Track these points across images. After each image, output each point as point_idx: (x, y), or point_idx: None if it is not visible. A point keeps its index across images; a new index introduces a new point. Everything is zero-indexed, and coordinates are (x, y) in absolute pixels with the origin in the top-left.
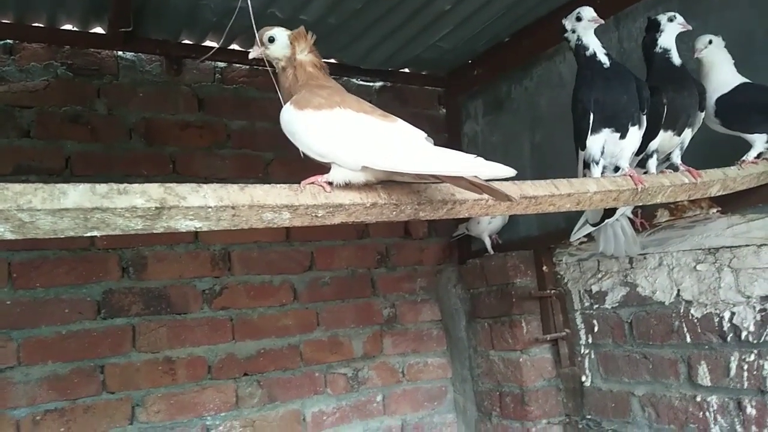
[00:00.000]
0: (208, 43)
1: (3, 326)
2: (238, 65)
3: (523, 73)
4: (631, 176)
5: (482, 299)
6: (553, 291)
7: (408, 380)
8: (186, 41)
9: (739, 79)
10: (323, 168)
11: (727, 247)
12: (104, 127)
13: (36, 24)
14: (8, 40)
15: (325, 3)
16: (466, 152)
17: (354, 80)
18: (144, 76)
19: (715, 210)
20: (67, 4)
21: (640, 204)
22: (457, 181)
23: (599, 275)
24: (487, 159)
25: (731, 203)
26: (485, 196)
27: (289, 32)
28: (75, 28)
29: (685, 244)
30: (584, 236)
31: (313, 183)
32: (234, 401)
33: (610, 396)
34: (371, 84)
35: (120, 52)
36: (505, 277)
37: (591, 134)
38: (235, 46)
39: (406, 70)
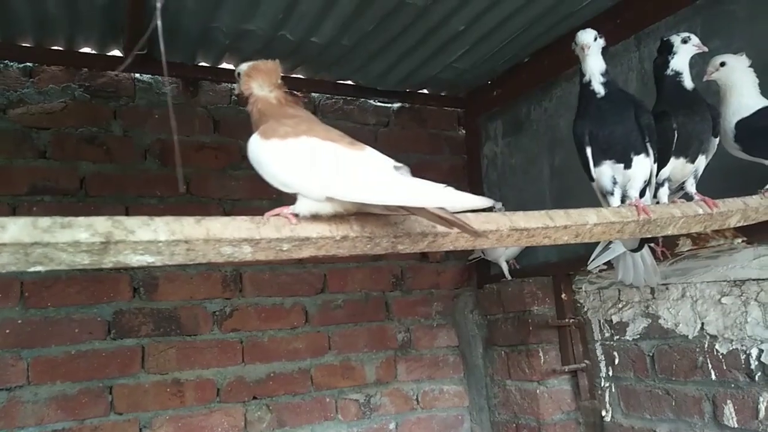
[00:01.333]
0: (224, 65)
1: (13, 345)
2: None
3: (542, 93)
4: (636, 206)
5: (499, 326)
6: (572, 320)
7: (422, 408)
8: (202, 63)
9: (762, 102)
10: None
11: (754, 280)
12: (119, 148)
13: (55, 47)
14: (28, 63)
15: (336, 24)
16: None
17: (371, 101)
18: (160, 97)
19: (740, 240)
20: (85, 27)
21: (649, 236)
22: (422, 213)
23: (620, 305)
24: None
25: (758, 233)
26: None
27: (247, 67)
28: (93, 51)
29: (708, 275)
30: (604, 264)
31: (278, 215)
32: (242, 425)
33: None
34: (389, 105)
35: (137, 75)
36: (522, 305)
37: (595, 166)
38: None
39: (425, 91)
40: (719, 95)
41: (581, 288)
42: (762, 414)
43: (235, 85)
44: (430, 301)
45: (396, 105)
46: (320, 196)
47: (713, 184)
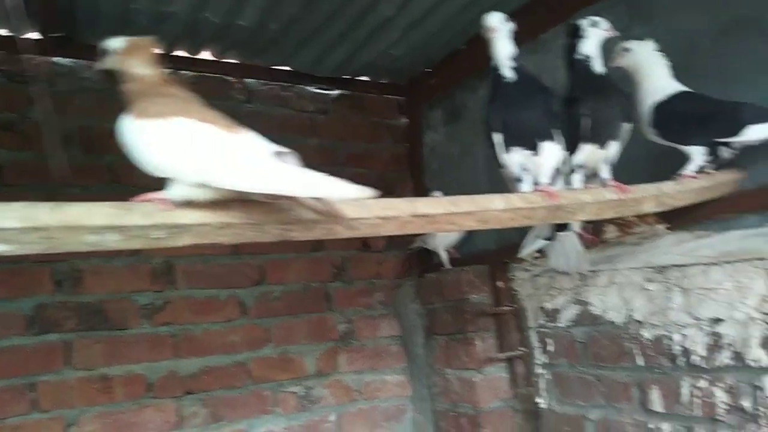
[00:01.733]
0: None
1: None
2: (183, 71)
3: (478, 82)
4: (545, 191)
5: (438, 315)
6: (508, 307)
7: (364, 399)
8: None
9: (675, 87)
10: None
11: (676, 266)
12: (39, 135)
13: None
14: None
15: (260, 8)
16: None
17: (309, 88)
18: (82, 83)
19: (663, 226)
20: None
21: (560, 222)
22: (294, 201)
23: (553, 292)
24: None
25: (680, 219)
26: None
27: (123, 43)
28: (8, 33)
29: (634, 262)
30: (538, 251)
31: (148, 200)
32: (175, 420)
33: (566, 420)
34: (328, 92)
35: (57, 59)
36: (460, 293)
37: (505, 152)
38: (180, 53)
39: (365, 78)
40: (632, 81)
41: (517, 275)
42: (685, 398)
43: (99, 62)
44: (372, 291)
45: (335, 92)
46: (193, 181)
47: (633, 172)
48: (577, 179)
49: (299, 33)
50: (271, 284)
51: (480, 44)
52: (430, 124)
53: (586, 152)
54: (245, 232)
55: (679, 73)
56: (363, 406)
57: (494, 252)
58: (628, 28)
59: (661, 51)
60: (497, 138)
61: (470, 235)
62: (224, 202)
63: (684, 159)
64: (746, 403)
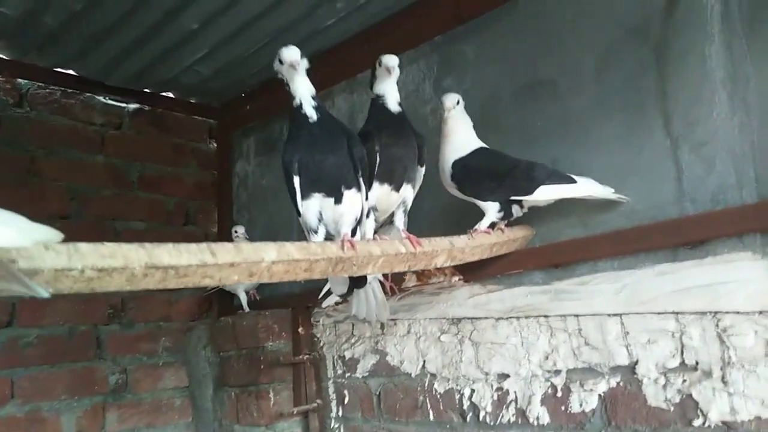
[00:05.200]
0: None
1: None
2: None
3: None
4: (344, 241)
5: (231, 364)
6: (307, 356)
7: None
8: None
9: (477, 143)
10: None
11: (469, 318)
12: None
13: None
14: None
15: None
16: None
17: (100, 98)
18: None
19: (458, 278)
20: None
21: (345, 275)
22: None
23: (353, 340)
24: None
25: (474, 272)
26: None
27: None
28: None
29: (431, 312)
30: (340, 297)
31: None
32: None
33: None
34: (123, 105)
35: None
36: (256, 340)
37: (303, 199)
38: None
39: (170, 95)
40: (442, 134)
41: (319, 321)
42: None
43: None
44: (158, 336)
45: (132, 106)
46: None
47: (431, 223)
48: (370, 226)
49: (83, 33)
50: (23, 327)
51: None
52: (243, 152)
53: (380, 193)
54: None
55: (482, 127)
56: None
57: (298, 295)
58: (439, 79)
59: (466, 106)
60: (296, 181)
61: None
62: None
63: (480, 213)
64: None
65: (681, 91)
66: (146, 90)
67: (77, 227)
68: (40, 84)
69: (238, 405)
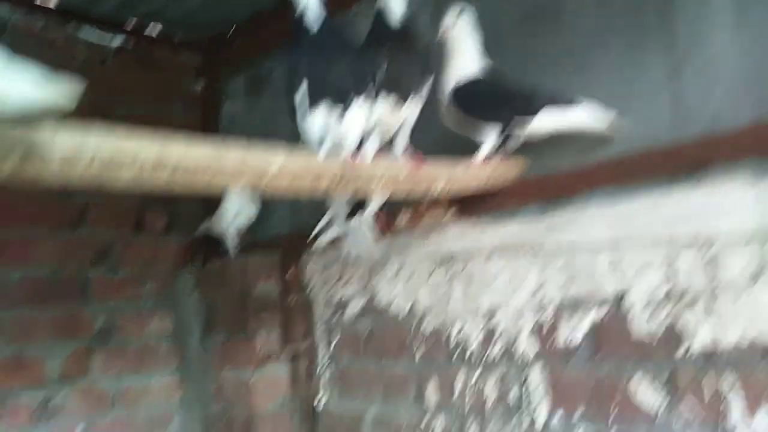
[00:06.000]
0: None
1: None
2: None
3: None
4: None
5: (219, 309)
6: (296, 299)
7: (122, 406)
8: None
9: (481, 64)
10: None
11: (460, 256)
12: None
13: None
14: None
15: None
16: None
17: (82, 34)
18: None
19: (449, 216)
20: None
21: (349, 193)
22: None
23: (342, 282)
24: None
25: (465, 209)
26: None
27: None
28: None
29: (422, 251)
30: (332, 240)
31: None
32: None
33: (343, 420)
34: (106, 42)
35: None
36: (245, 284)
37: (309, 107)
38: None
39: (156, 30)
40: (443, 53)
41: (308, 264)
42: (457, 393)
43: None
44: (144, 281)
45: (117, 42)
46: None
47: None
48: (372, 143)
49: None
50: (6, 266)
51: (290, 7)
52: (231, 92)
53: (382, 111)
54: None
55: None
56: (120, 414)
57: (288, 237)
58: (440, 4)
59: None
60: (299, 93)
61: (263, 218)
62: None
63: (475, 148)
64: (513, 396)
65: (684, 11)
66: (132, 18)
67: None
68: (21, 13)
69: (225, 349)
